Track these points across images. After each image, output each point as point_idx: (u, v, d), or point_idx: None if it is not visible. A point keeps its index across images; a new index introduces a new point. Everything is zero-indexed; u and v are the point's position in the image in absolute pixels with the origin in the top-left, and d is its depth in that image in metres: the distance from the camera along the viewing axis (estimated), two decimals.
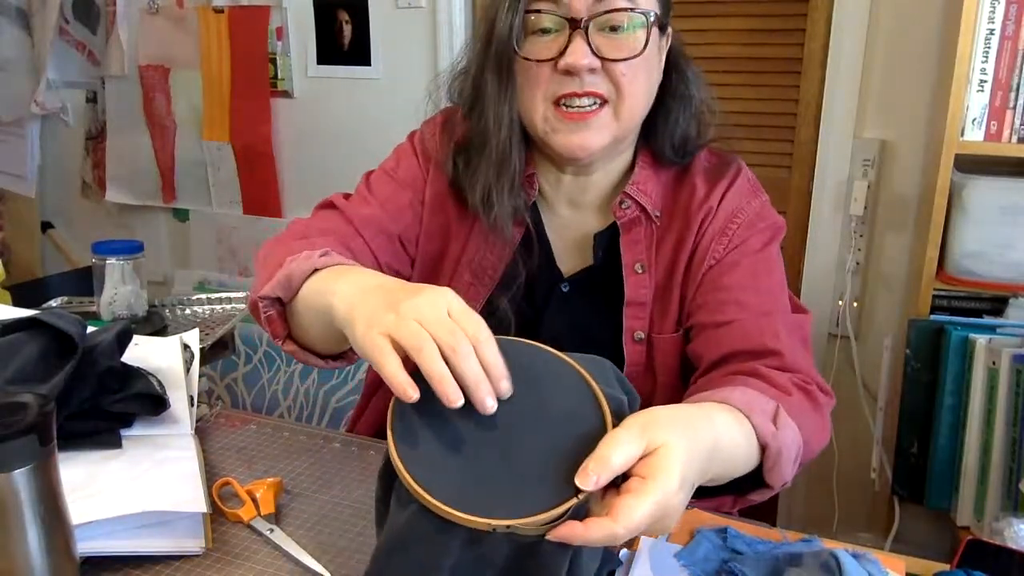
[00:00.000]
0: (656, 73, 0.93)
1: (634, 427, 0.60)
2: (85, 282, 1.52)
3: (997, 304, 1.59)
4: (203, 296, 1.54)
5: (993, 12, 1.46)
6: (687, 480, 0.61)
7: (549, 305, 1.00)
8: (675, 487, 0.59)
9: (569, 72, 0.86)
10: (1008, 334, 1.51)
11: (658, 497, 0.57)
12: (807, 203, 1.90)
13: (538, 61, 0.87)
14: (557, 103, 0.88)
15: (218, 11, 2.37)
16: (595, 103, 0.88)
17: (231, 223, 2.56)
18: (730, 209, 0.96)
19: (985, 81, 1.49)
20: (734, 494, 0.82)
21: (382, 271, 0.93)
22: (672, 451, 0.59)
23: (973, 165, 1.56)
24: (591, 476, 0.57)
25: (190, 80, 2.48)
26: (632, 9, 0.85)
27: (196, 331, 1.16)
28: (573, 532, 0.57)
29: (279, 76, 2.36)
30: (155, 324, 1.40)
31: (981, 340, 1.50)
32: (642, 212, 0.97)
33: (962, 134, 1.51)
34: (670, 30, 0.94)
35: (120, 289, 1.37)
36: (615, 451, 0.58)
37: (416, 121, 1.07)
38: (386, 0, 2.19)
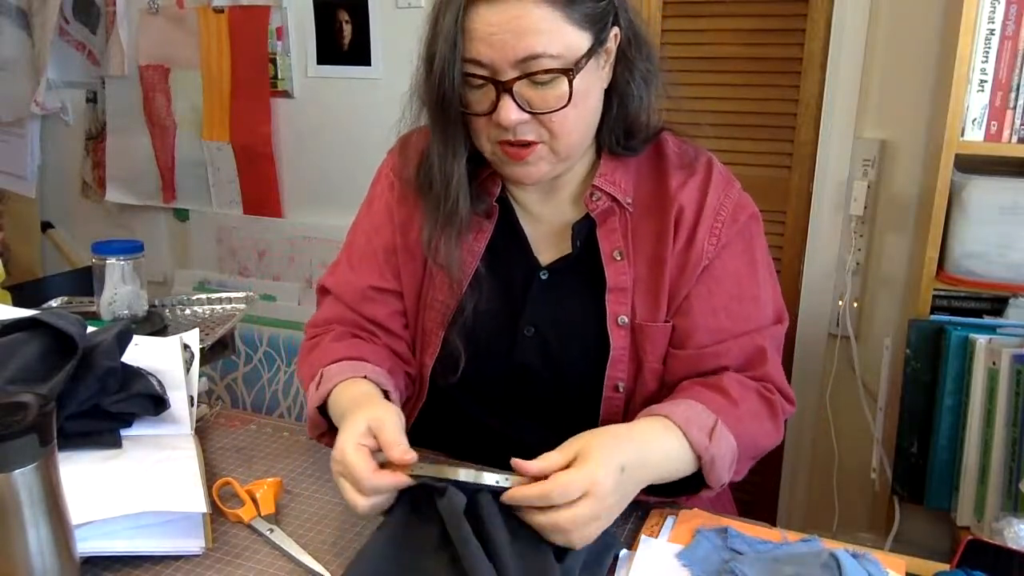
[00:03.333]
0: (595, 98, 0.95)
1: (572, 439, 0.81)
2: (85, 282, 1.52)
3: (997, 304, 1.59)
4: (203, 296, 1.54)
5: (993, 12, 1.46)
6: (614, 468, 0.78)
7: (529, 294, 1.02)
8: (602, 468, 0.77)
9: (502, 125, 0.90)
10: (1008, 334, 1.51)
11: (586, 471, 0.76)
12: (807, 203, 1.89)
13: (475, 114, 0.92)
14: (500, 142, 0.93)
15: (218, 11, 2.37)
16: (530, 143, 0.92)
17: (231, 223, 2.56)
18: (714, 206, 0.99)
19: (985, 81, 1.49)
20: (685, 494, 0.92)
21: (390, 319, 1.07)
22: (593, 445, 0.79)
23: (973, 165, 1.56)
24: (528, 463, 0.77)
25: (190, 80, 2.47)
26: (550, 70, 0.87)
27: (196, 331, 1.16)
28: (516, 491, 0.76)
29: (279, 76, 2.36)
30: (155, 324, 1.39)
31: (981, 340, 1.50)
32: (614, 202, 0.99)
33: (962, 134, 1.51)
34: (615, 31, 0.93)
35: (120, 289, 1.37)
36: (551, 455, 0.79)
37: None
38: (386, 0, 2.19)
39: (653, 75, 0.98)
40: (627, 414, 1.01)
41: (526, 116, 0.89)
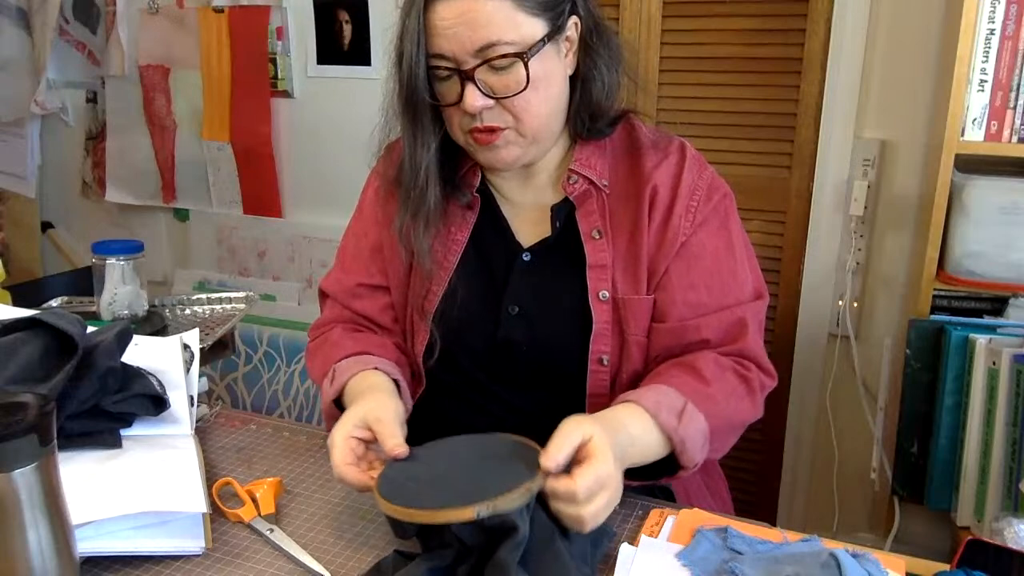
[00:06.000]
0: (557, 83, 0.99)
1: (571, 423, 0.82)
2: (85, 282, 1.52)
3: (997, 304, 1.59)
4: (203, 296, 1.54)
5: (993, 12, 1.46)
6: (615, 457, 0.81)
7: (511, 275, 1.06)
8: (611, 461, 0.80)
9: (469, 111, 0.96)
10: (1008, 334, 1.51)
11: (599, 468, 0.78)
12: (807, 203, 1.89)
13: (445, 105, 0.98)
14: (471, 130, 0.98)
15: (218, 11, 2.37)
16: (496, 128, 0.97)
17: (231, 223, 2.56)
18: (689, 185, 1.03)
19: (985, 81, 1.49)
20: (665, 476, 0.95)
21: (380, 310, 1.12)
22: (600, 439, 0.80)
23: (973, 165, 1.56)
24: (554, 457, 0.78)
25: (190, 80, 2.47)
26: (506, 55, 0.92)
27: (196, 331, 1.16)
28: (550, 485, 0.78)
29: (279, 76, 2.36)
30: (155, 324, 1.39)
31: (981, 340, 1.50)
32: (590, 184, 1.04)
33: (962, 134, 1.51)
34: (574, 19, 0.98)
35: (120, 289, 1.37)
36: (568, 438, 0.80)
37: None
38: (386, 0, 2.19)
39: (615, 61, 1.03)
40: (613, 389, 1.04)
41: (490, 102, 0.94)
